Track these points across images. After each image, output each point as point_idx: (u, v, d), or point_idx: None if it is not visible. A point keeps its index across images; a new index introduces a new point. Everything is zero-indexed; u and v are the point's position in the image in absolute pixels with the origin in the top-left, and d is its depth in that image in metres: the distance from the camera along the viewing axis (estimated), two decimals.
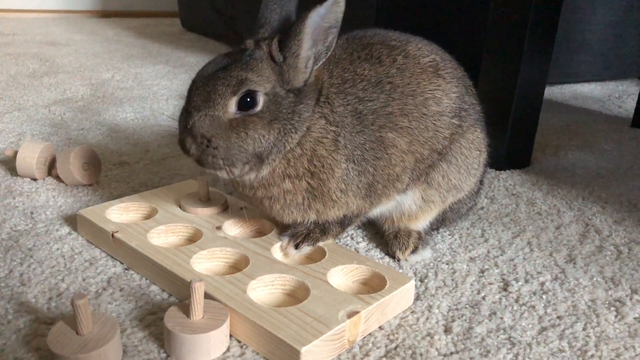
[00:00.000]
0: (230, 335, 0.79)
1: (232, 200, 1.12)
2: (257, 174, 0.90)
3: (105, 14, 4.46)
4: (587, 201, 1.31)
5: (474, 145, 1.03)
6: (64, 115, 1.81)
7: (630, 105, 2.34)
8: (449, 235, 1.12)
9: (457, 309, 0.88)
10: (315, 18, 0.83)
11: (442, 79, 0.97)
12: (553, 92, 2.50)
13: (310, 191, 0.91)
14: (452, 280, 0.96)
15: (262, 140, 0.85)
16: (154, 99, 2.07)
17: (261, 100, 0.85)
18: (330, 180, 0.90)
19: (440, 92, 0.97)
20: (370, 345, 0.79)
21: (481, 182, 1.13)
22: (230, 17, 3.30)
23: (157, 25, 4.12)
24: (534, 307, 0.89)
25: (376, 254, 1.04)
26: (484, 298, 0.91)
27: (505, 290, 0.94)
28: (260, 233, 1.04)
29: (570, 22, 2.43)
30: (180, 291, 0.86)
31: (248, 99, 0.84)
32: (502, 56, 1.45)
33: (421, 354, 0.77)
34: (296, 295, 0.86)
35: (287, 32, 0.86)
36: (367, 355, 0.77)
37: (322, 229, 0.98)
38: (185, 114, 0.87)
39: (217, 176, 0.90)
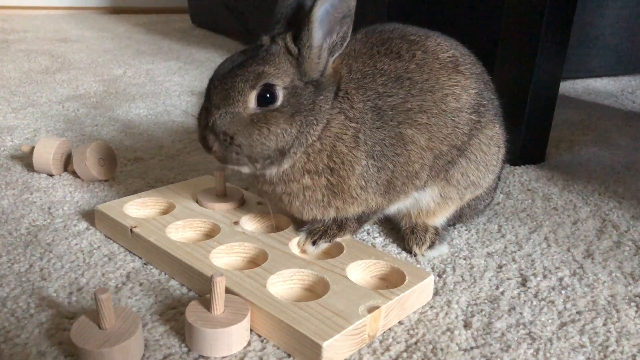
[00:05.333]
0: (251, 330, 0.79)
1: (248, 196, 1.12)
2: (278, 168, 0.90)
3: (115, 10, 4.47)
4: (604, 196, 1.30)
5: (493, 142, 1.02)
6: (77, 112, 1.82)
7: None
8: (466, 230, 1.11)
9: (476, 304, 0.88)
10: (326, 7, 0.83)
11: (461, 74, 0.97)
12: (566, 87, 2.48)
13: (330, 188, 0.91)
14: (470, 275, 0.96)
15: (285, 134, 0.85)
16: (167, 95, 2.08)
17: (281, 94, 0.85)
18: (350, 177, 0.90)
19: (459, 89, 0.96)
20: (390, 340, 0.79)
21: (499, 178, 1.13)
22: (240, 13, 3.30)
23: (166, 22, 4.13)
24: (553, 302, 0.89)
25: (393, 249, 1.04)
26: (502, 293, 0.91)
27: (523, 285, 0.94)
28: (277, 228, 1.03)
29: (583, 16, 2.41)
30: (199, 286, 0.87)
31: (267, 95, 0.84)
32: (518, 52, 1.44)
33: (442, 349, 0.77)
34: (315, 291, 0.86)
35: (300, 25, 0.86)
36: (387, 350, 0.77)
37: (339, 225, 0.98)
38: (205, 112, 0.87)
39: (239, 171, 0.90)
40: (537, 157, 1.52)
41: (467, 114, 0.97)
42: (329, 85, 0.89)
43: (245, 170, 0.89)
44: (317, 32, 0.85)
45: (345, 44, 0.87)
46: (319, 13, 0.83)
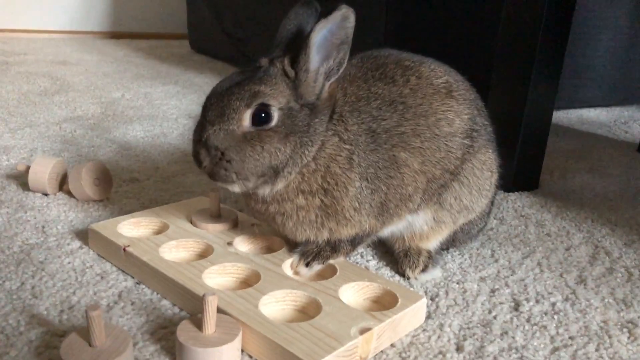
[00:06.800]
0: (242, 351, 0.79)
1: (243, 217, 1.12)
2: (272, 188, 0.90)
3: (115, 35, 4.52)
4: (596, 223, 1.31)
5: (486, 166, 1.03)
6: (74, 133, 1.83)
7: (637, 130, 2.35)
8: (459, 255, 1.12)
9: (468, 328, 0.88)
10: (324, 33, 0.84)
11: (454, 100, 0.98)
12: (559, 116, 2.51)
13: (324, 209, 0.92)
14: (463, 299, 0.96)
15: (279, 153, 0.86)
16: (164, 118, 2.09)
17: (276, 115, 0.86)
18: (344, 198, 0.91)
19: (452, 114, 0.98)
20: None
21: (492, 203, 1.13)
22: (239, 40, 3.34)
23: (166, 47, 4.17)
24: (545, 327, 0.89)
25: (386, 272, 1.04)
26: (495, 317, 0.91)
27: (516, 310, 0.93)
28: (270, 250, 1.04)
29: (576, 47, 2.45)
30: (191, 306, 0.86)
31: (262, 115, 0.85)
32: (511, 81, 1.47)
33: None
34: (307, 312, 0.86)
35: (298, 49, 0.87)
36: None
37: (332, 247, 0.98)
38: (200, 128, 0.88)
39: (228, 190, 0.91)
40: (531, 184, 1.54)
41: (460, 139, 0.98)
42: (324, 109, 0.90)
43: (235, 189, 0.89)
44: (315, 57, 0.86)
45: (341, 70, 0.89)
46: (316, 38, 0.85)
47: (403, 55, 1.02)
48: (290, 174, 0.89)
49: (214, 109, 0.87)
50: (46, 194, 1.30)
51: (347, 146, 0.90)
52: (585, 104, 2.72)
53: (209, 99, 0.89)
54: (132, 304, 0.89)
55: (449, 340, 0.84)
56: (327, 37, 0.85)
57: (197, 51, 3.96)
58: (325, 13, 0.83)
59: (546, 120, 1.51)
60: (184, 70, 3.25)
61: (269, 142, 0.86)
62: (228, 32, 3.44)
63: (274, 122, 0.86)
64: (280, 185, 0.90)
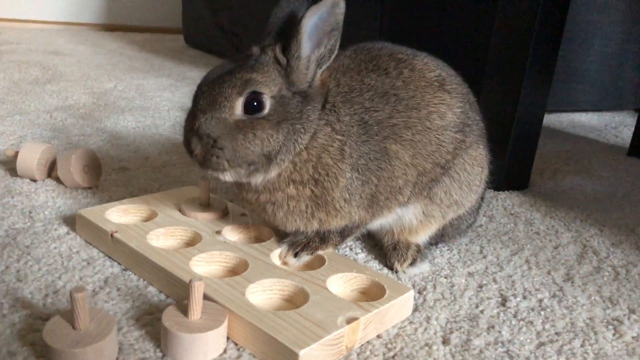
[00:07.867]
0: (227, 338, 0.78)
1: (232, 207, 1.12)
2: (265, 176, 0.90)
3: (109, 28, 4.49)
4: (585, 223, 1.31)
5: (477, 162, 1.03)
6: (65, 121, 1.81)
7: (627, 135, 2.36)
8: (448, 250, 1.12)
9: (455, 322, 0.88)
10: (314, 19, 0.84)
11: (447, 93, 0.98)
12: (551, 119, 2.52)
13: (314, 199, 0.91)
14: (451, 293, 0.96)
15: (271, 140, 0.86)
16: (156, 110, 2.08)
17: (268, 103, 0.85)
18: (335, 189, 0.91)
19: (445, 107, 0.98)
20: (368, 352, 0.78)
21: (482, 199, 1.13)
22: (234, 35, 3.33)
23: (160, 41, 4.15)
24: (532, 322, 0.89)
25: (374, 265, 1.04)
26: (482, 312, 0.91)
27: (503, 305, 0.94)
28: (259, 240, 1.03)
29: (568, 52, 2.46)
30: (178, 293, 0.86)
31: (255, 103, 0.85)
32: (503, 83, 1.47)
33: None
34: (294, 301, 0.86)
35: (289, 36, 0.87)
36: None
37: (321, 238, 0.98)
38: (192, 116, 0.87)
39: (219, 179, 0.90)
40: (521, 183, 1.54)
41: (452, 133, 0.98)
42: (316, 97, 0.90)
43: (226, 177, 0.88)
44: (306, 44, 0.86)
45: (333, 57, 0.88)
46: (307, 25, 0.85)
47: (397, 48, 1.02)
48: (284, 162, 0.89)
49: (206, 97, 0.86)
50: (34, 180, 1.28)
51: (339, 137, 0.90)
52: (576, 108, 2.73)
53: (200, 87, 0.88)
54: (118, 289, 0.89)
55: (435, 333, 0.84)
56: (318, 24, 0.85)
57: (191, 46, 3.95)
58: (315, 0, 0.83)
59: (537, 121, 1.52)
60: (178, 63, 3.23)
61: (261, 129, 0.85)
62: (223, 27, 3.43)
63: (266, 111, 0.85)
64: (273, 173, 0.89)
